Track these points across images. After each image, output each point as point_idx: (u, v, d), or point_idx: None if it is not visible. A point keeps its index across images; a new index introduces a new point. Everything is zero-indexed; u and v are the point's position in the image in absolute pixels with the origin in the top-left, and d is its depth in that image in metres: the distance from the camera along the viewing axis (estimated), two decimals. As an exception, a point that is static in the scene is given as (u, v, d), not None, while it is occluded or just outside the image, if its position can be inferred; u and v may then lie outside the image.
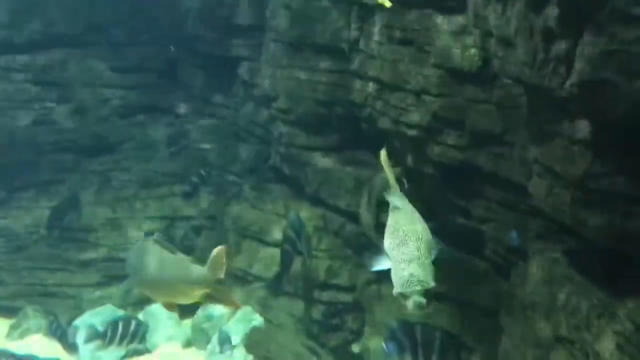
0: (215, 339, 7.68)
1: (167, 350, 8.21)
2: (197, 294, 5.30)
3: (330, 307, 7.89)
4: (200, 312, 8.56)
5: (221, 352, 7.42)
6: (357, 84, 7.75)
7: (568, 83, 4.09)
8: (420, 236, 3.62)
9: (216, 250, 5.19)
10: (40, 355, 7.16)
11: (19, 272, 9.13)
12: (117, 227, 9.45)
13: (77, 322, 8.33)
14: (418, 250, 3.57)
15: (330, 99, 8.14)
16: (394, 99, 7.00)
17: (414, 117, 6.75)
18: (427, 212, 7.58)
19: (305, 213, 8.30)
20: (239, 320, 8.23)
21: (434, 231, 7.07)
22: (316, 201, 8.40)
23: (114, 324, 6.94)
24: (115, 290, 8.84)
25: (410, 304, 3.29)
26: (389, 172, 4.05)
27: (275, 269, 8.32)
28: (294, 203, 8.49)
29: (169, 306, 5.68)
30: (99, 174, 9.88)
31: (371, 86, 7.46)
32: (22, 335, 8.47)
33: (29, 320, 8.53)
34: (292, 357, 6.95)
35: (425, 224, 3.63)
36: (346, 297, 7.93)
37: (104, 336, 6.80)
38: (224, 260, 5.15)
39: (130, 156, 10.08)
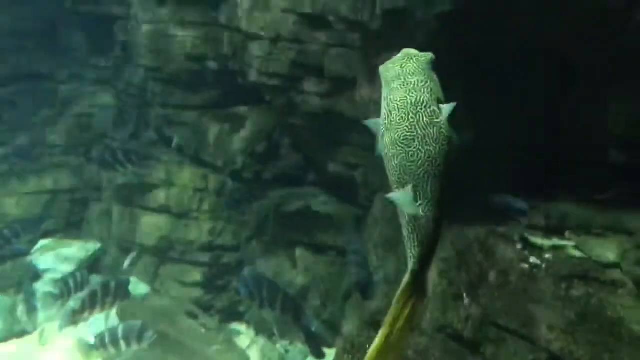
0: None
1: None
2: None
3: (213, 268, 7.67)
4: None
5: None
6: (226, 35, 7.41)
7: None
8: None
9: None
10: None
11: None
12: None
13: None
14: None
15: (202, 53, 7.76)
16: (255, 49, 6.69)
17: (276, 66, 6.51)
18: (309, 164, 7.47)
19: (186, 175, 8.00)
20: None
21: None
22: (196, 162, 8.08)
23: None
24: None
25: None
26: None
27: (158, 234, 8.01)
28: (174, 167, 8.14)
29: None
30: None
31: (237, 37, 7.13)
32: None
33: None
34: (165, 322, 6.70)
35: None
36: (231, 257, 7.73)
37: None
38: None
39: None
